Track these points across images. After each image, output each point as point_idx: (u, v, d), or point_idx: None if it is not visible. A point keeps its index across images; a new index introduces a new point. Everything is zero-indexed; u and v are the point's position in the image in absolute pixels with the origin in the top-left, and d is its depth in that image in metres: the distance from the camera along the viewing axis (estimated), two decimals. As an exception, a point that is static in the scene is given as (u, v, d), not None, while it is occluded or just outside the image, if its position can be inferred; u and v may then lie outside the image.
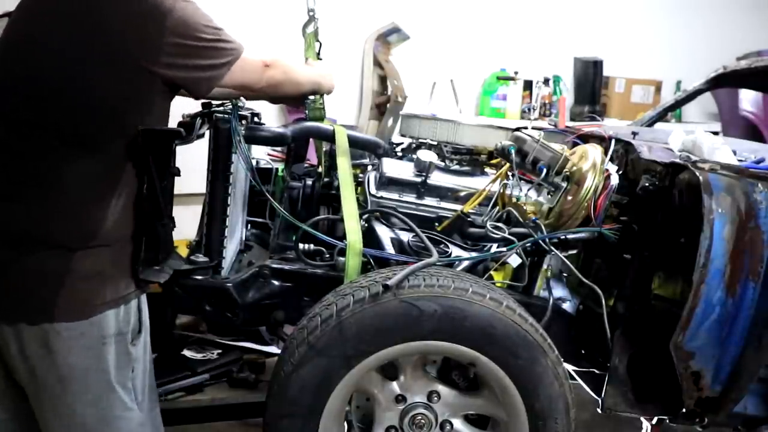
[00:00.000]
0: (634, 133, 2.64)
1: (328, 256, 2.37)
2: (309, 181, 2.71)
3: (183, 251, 2.50)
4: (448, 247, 2.35)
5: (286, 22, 3.54)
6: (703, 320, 2.12)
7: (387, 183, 2.56)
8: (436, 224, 2.49)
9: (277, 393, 2.07)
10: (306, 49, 3.02)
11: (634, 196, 2.31)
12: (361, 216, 2.39)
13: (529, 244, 2.33)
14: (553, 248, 2.33)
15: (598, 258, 2.45)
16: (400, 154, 2.89)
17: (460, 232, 2.45)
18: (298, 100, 2.48)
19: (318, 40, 3.03)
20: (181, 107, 2.52)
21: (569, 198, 2.38)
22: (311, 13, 3.00)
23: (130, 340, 1.87)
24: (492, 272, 2.40)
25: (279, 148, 3.69)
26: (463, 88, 5.45)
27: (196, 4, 1.88)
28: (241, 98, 2.42)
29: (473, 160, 2.75)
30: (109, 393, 1.84)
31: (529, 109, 5.55)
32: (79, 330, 1.77)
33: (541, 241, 2.32)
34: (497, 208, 2.51)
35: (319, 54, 3.03)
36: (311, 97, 2.63)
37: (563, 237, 2.35)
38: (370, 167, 2.77)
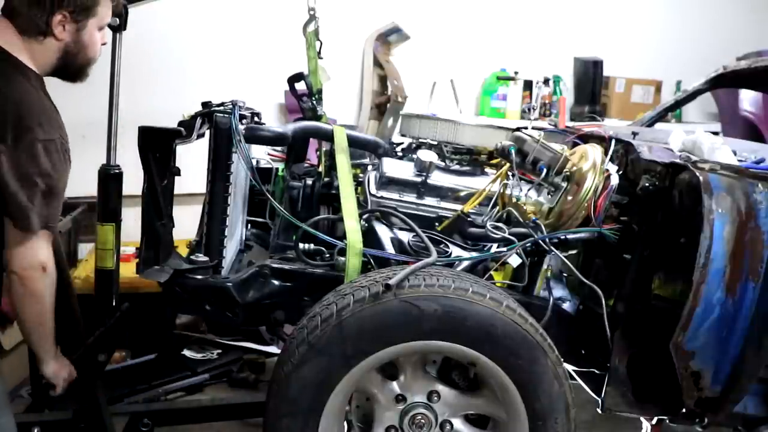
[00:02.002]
0: (634, 133, 2.64)
1: (328, 255, 2.37)
2: (309, 181, 2.71)
3: (183, 251, 2.50)
4: (448, 247, 2.35)
5: (287, 22, 3.54)
6: (703, 320, 2.12)
7: (387, 183, 2.56)
8: (437, 224, 2.49)
9: (278, 392, 2.06)
10: (307, 48, 3.03)
11: (634, 196, 2.31)
12: (361, 216, 2.39)
13: (529, 244, 2.33)
14: (553, 248, 2.33)
15: (598, 258, 2.45)
16: (400, 153, 2.89)
17: (460, 232, 2.45)
18: None
19: (319, 39, 3.04)
20: (181, 107, 2.53)
21: (569, 198, 2.38)
22: (312, 12, 3.02)
23: None
24: (492, 272, 2.40)
25: (279, 148, 3.69)
26: (463, 88, 5.45)
27: None
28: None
29: (473, 160, 2.75)
30: None
31: (529, 109, 5.55)
32: None
33: (541, 241, 2.32)
34: (497, 208, 2.51)
35: (319, 53, 3.04)
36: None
37: (563, 237, 2.35)
38: (370, 167, 2.77)
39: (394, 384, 2.18)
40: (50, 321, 2.09)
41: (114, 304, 2.59)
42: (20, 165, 1.86)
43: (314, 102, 3.01)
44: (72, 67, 2.07)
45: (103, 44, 2.15)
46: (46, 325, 2.08)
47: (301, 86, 3.06)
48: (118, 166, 2.66)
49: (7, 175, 1.85)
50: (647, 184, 2.26)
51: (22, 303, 2.01)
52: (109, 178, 2.59)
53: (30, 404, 3.08)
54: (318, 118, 3.01)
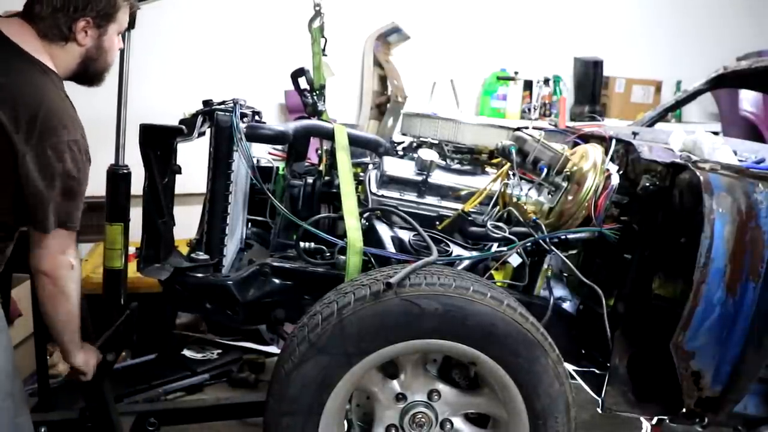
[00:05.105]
0: (635, 133, 2.64)
1: (328, 254, 2.37)
2: (310, 180, 2.71)
3: (184, 249, 2.50)
4: (448, 246, 2.35)
5: (287, 21, 3.55)
6: (704, 320, 2.13)
7: (388, 181, 2.56)
8: (437, 223, 2.49)
9: (278, 391, 2.06)
10: (312, 43, 3.04)
11: (634, 196, 2.32)
12: (361, 214, 2.39)
13: (529, 244, 2.33)
14: (553, 248, 2.33)
15: (598, 258, 2.45)
16: (401, 152, 2.89)
17: (460, 231, 2.45)
18: None
19: (323, 36, 3.05)
20: (182, 105, 2.52)
21: (570, 198, 2.38)
22: (317, 8, 3.03)
23: None
24: (492, 272, 2.40)
25: (280, 147, 3.69)
26: (463, 88, 5.45)
27: None
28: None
29: (474, 159, 2.75)
30: None
31: (529, 109, 5.55)
32: None
33: (541, 241, 2.32)
34: (498, 207, 2.51)
35: (324, 49, 3.04)
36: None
37: (564, 237, 2.35)
38: (371, 166, 2.77)
39: (395, 383, 2.18)
40: (78, 317, 2.10)
41: (122, 303, 2.59)
42: (45, 165, 1.87)
43: (315, 97, 3.02)
44: (91, 71, 2.08)
45: (120, 49, 2.17)
46: (75, 321, 2.10)
47: (303, 83, 3.06)
48: (127, 166, 2.66)
49: (32, 174, 1.86)
50: (648, 184, 2.26)
51: (53, 303, 2.02)
52: (118, 177, 2.59)
53: (36, 404, 3.07)
54: (319, 113, 3.01)
